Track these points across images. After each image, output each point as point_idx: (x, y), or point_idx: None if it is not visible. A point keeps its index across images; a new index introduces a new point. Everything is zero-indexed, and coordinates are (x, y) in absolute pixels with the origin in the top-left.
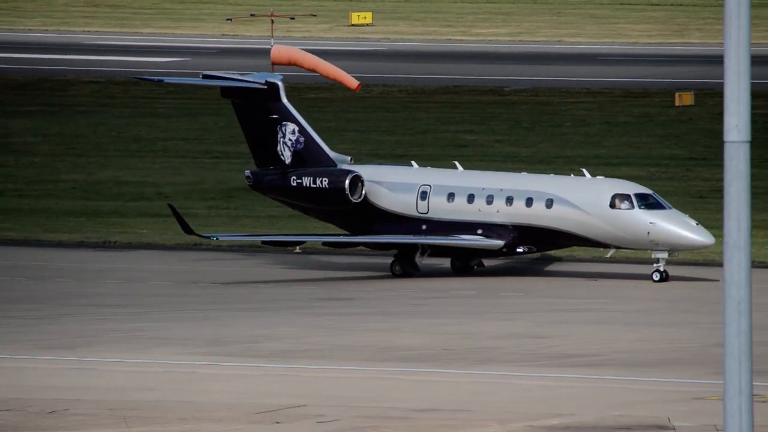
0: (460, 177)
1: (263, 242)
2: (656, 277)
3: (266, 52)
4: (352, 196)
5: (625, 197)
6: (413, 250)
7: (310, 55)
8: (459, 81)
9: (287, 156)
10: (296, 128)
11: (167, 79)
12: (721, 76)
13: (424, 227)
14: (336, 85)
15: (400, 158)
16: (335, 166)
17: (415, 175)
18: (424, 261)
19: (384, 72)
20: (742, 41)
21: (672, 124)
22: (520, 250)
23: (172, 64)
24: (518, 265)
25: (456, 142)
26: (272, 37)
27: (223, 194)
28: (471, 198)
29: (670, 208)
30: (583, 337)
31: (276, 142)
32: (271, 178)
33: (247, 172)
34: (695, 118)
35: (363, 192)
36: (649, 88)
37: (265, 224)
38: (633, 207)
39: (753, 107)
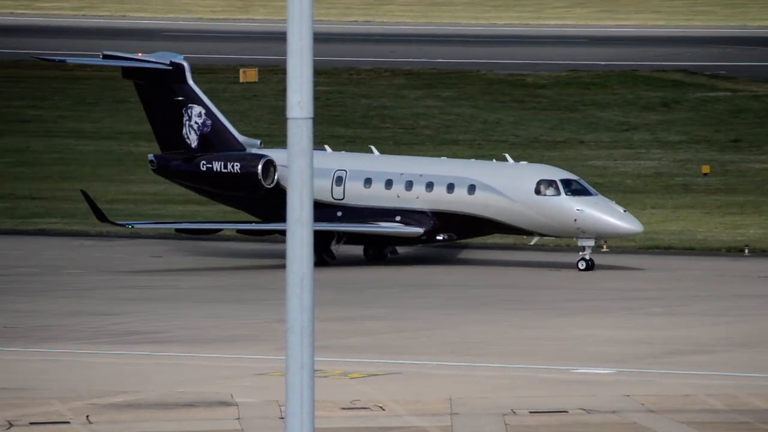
0: (377, 162)
1: (177, 230)
2: (582, 265)
3: None
4: (264, 182)
5: (551, 183)
6: (329, 238)
7: None
8: (21, 56)
9: (193, 139)
10: (203, 111)
11: (70, 60)
12: (285, 53)
13: (339, 214)
14: None
15: None
16: (244, 150)
17: (329, 159)
18: (340, 248)
19: None
20: (304, 18)
21: (237, 100)
22: (440, 237)
23: None
24: (430, 253)
25: (19, 117)
26: None
27: None
28: (389, 183)
29: (597, 195)
30: (150, 314)
31: (181, 125)
32: (178, 162)
33: (151, 156)
34: (259, 94)
35: (276, 177)
36: (214, 64)
37: None
38: (559, 193)
39: (316, 84)
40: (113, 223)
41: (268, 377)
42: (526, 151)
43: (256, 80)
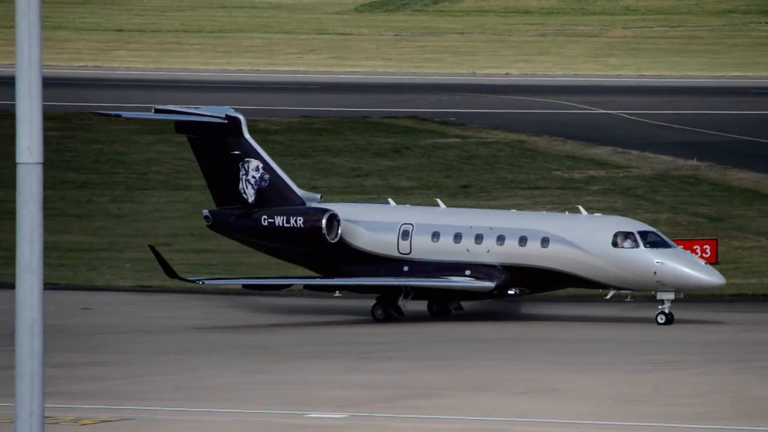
0: (444, 215)
1: (244, 286)
2: (661, 319)
3: None
4: (328, 236)
5: (629, 235)
6: (397, 293)
7: None
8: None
9: (250, 194)
10: (260, 165)
11: (125, 114)
12: (14, 98)
13: (406, 268)
14: None
15: None
16: (304, 204)
17: (395, 213)
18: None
19: None
20: (33, 63)
21: None
22: (511, 292)
23: None
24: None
25: None
26: None
27: None
28: (458, 237)
29: (675, 247)
30: None
31: (238, 180)
32: (237, 218)
33: (206, 212)
34: None
35: (339, 231)
36: None
37: None
38: (638, 245)
39: (46, 129)
40: (184, 279)
41: None
42: None
43: None
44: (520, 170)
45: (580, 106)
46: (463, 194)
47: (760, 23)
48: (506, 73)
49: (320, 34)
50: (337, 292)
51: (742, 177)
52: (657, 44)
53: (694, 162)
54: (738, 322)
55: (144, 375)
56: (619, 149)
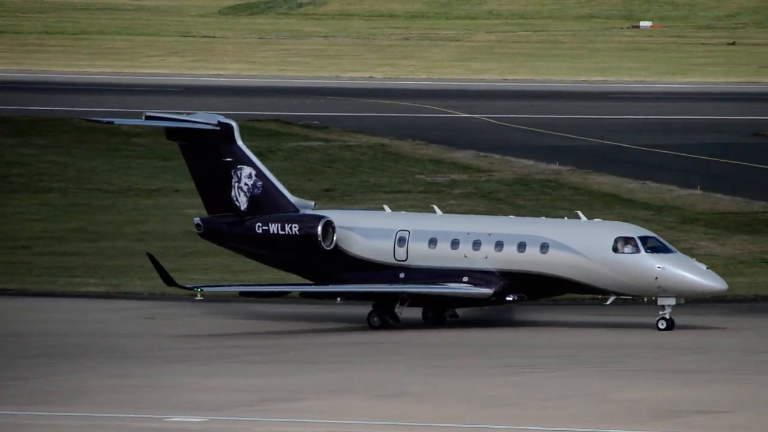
0: (441, 221)
1: (241, 293)
2: (662, 325)
3: None
4: (324, 243)
5: (629, 240)
6: (393, 300)
7: None
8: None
9: (243, 202)
10: (253, 172)
11: (117, 121)
12: None
13: (402, 275)
14: None
15: None
16: (297, 211)
17: (391, 219)
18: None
19: None
20: None
21: None
22: (509, 298)
23: None
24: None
25: None
26: None
27: None
28: (455, 243)
29: (676, 252)
30: None
31: (230, 187)
32: (230, 225)
33: (197, 220)
34: None
35: (334, 238)
36: None
37: None
38: (639, 251)
39: None
40: (182, 287)
41: None
42: (120, 199)
43: None
44: (383, 174)
45: (444, 110)
46: (327, 197)
47: (622, 28)
48: (370, 77)
49: (184, 36)
50: (199, 295)
51: (602, 181)
52: (520, 49)
53: (555, 166)
54: (602, 326)
55: (1, 379)
56: (482, 153)
